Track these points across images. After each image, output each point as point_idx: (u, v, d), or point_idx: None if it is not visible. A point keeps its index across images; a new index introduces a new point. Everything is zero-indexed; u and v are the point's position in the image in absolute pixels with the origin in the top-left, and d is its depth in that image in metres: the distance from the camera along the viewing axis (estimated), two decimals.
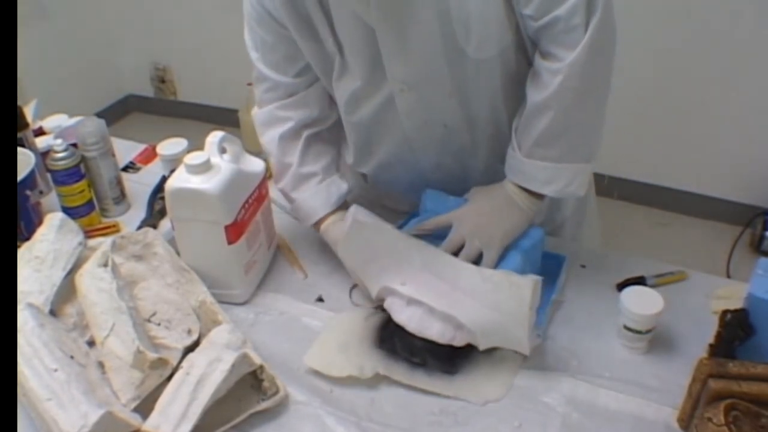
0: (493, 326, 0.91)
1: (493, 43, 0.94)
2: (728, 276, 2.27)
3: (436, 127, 1.06)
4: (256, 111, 1.16)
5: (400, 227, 1.06)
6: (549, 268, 1.06)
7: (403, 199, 1.22)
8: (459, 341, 0.93)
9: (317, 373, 0.94)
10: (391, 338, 0.95)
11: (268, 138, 1.14)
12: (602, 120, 1.01)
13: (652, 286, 1.01)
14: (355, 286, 1.09)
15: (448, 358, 0.94)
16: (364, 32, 0.95)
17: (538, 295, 0.91)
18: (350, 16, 0.95)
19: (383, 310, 1.00)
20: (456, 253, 0.99)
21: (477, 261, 0.99)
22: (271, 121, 1.13)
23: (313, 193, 1.12)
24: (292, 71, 1.09)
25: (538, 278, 0.91)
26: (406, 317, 0.95)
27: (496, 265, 0.99)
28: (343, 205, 1.13)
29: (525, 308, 0.89)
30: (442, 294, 0.94)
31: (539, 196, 1.02)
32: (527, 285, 0.90)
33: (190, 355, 0.89)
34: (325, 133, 1.17)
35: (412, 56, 0.96)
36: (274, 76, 1.10)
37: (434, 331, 0.93)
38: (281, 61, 1.08)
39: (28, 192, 1.17)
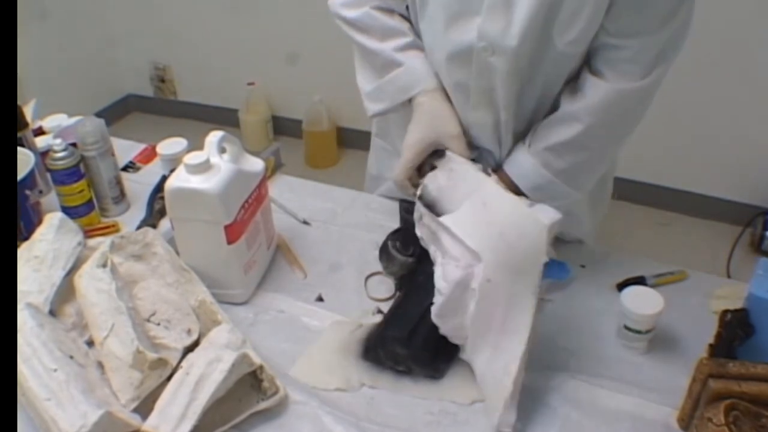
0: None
1: (583, 43, 0.94)
2: (729, 276, 2.27)
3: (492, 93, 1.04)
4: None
5: None
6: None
7: None
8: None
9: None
10: (375, 349, 0.96)
11: (359, 13, 1.07)
12: (607, 161, 1.06)
13: (652, 286, 1.01)
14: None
15: (432, 363, 0.94)
16: None
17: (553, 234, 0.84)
18: None
19: (377, 312, 1.01)
20: None
21: None
22: (361, 2, 1.07)
23: (423, 61, 1.06)
24: None
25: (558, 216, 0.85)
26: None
27: None
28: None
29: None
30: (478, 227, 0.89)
31: None
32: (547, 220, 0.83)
33: (190, 355, 0.89)
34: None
35: (512, 19, 0.91)
36: None
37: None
38: None
39: (27, 192, 1.17)
